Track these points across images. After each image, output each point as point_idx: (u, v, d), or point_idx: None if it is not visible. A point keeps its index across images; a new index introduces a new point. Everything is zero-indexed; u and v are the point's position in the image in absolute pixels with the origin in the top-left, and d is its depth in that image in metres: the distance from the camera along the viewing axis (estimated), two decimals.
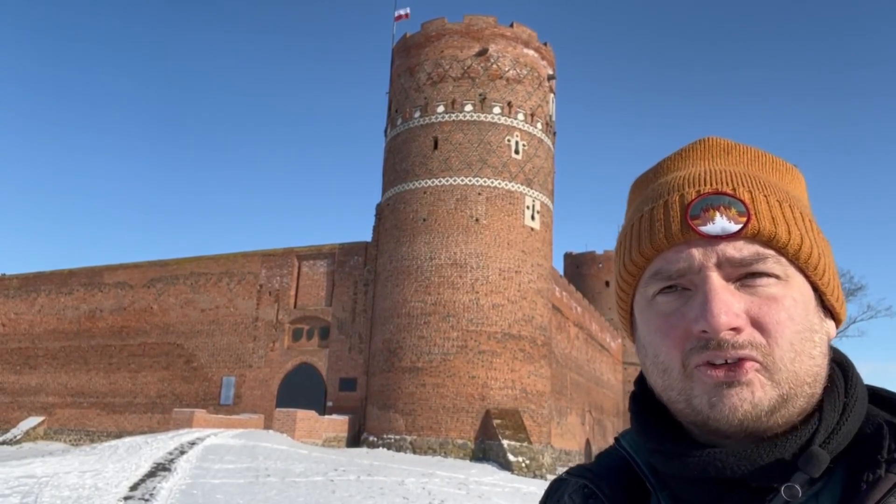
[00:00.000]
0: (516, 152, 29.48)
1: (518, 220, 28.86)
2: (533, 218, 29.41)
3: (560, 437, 34.46)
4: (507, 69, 29.92)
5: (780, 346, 0.68)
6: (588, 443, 41.12)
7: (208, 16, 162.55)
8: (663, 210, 0.73)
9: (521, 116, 29.88)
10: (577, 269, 63.10)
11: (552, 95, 32.04)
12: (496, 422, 25.91)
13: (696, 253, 0.70)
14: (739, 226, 0.69)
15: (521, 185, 29.29)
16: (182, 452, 18.44)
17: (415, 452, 25.92)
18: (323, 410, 29.15)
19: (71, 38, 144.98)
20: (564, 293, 38.84)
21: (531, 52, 30.83)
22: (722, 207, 0.70)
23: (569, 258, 66.02)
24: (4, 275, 40.90)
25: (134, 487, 13.57)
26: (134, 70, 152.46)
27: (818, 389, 0.71)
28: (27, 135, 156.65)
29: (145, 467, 15.99)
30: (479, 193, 28.55)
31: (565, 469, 0.90)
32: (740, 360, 0.67)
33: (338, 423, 27.98)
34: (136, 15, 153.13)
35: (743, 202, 0.70)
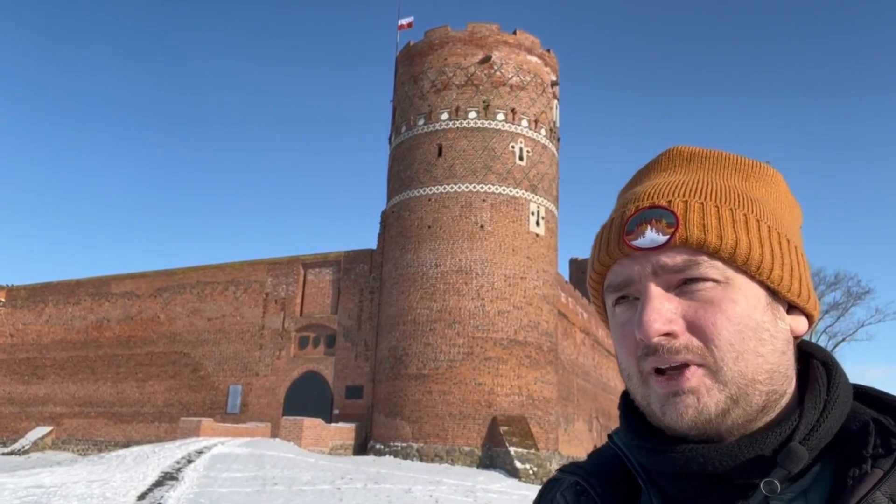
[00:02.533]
0: (520, 159, 29.53)
1: (523, 226, 28.87)
2: (538, 224, 29.42)
3: (567, 444, 34.31)
4: (510, 76, 30.01)
5: (719, 347, 0.70)
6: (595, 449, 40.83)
7: (212, 26, 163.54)
8: (609, 227, 0.78)
9: (524, 123, 29.95)
10: (583, 274, 62.96)
11: (556, 102, 32.11)
12: (503, 429, 25.84)
13: (634, 265, 0.74)
14: (667, 236, 0.72)
15: (526, 191, 29.32)
16: (189, 461, 18.47)
17: (421, 460, 25.86)
18: (329, 418, 29.14)
19: (75, 41, 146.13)
20: (570, 299, 38.78)
21: (534, 59, 30.92)
22: (654, 220, 0.73)
23: (574, 264, 65.92)
24: (12, 285, 41.13)
25: (142, 497, 13.60)
26: (139, 77, 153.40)
27: (778, 386, 0.73)
28: (33, 145, 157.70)
29: (153, 476, 16.02)
30: (484, 200, 28.60)
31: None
32: (682, 368, 0.70)
33: (344, 431, 27.96)
34: (147, 24, 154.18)
35: (673, 212, 0.73)
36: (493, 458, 25.64)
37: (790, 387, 0.74)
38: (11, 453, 33.82)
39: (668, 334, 0.70)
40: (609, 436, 0.87)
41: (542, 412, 27.94)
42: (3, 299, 40.42)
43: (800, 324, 0.77)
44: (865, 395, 0.78)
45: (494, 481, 21.40)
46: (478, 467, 25.31)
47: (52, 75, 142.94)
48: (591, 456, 0.87)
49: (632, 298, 0.75)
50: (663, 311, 0.71)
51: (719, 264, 0.72)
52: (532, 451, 25.48)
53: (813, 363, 0.78)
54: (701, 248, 0.72)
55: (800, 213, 0.84)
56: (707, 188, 0.76)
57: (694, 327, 0.71)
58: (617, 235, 0.76)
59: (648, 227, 0.73)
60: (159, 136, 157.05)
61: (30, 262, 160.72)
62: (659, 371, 0.72)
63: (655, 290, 0.72)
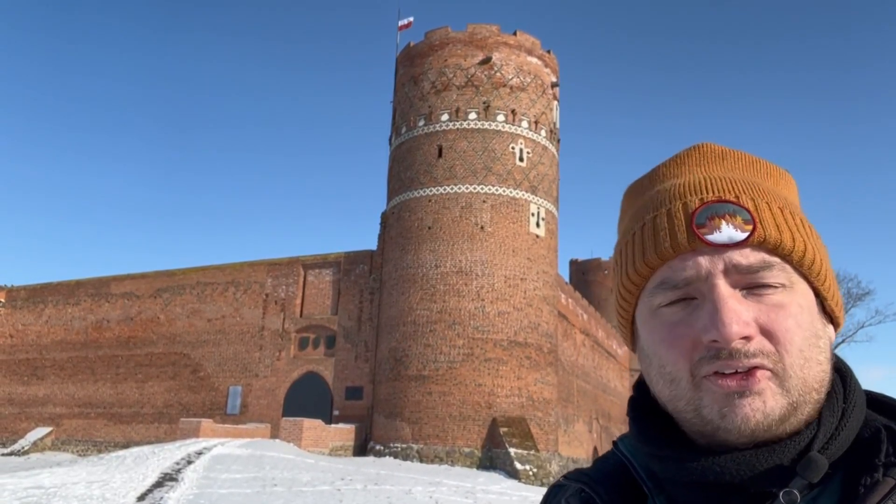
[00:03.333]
0: (520, 160, 29.53)
1: (523, 227, 28.86)
2: (538, 225, 29.41)
3: (567, 445, 34.29)
4: (510, 77, 30.01)
5: (790, 353, 0.68)
6: (595, 450, 40.90)
7: (212, 29, 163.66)
8: (667, 219, 0.72)
9: (525, 124, 29.95)
10: (583, 275, 63.02)
11: (556, 103, 32.11)
12: (503, 430, 25.82)
13: (703, 261, 0.69)
14: (746, 234, 0.68)
15: (526, 192, 29.31)
16: (189, 462, 18.45)
17: (421, 461, 25.84)
18: (329, 419, 29.12)
19: (78, 44, 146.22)
20: (570, 300, 38.76)
21: (534, 60, 30.93)
22: (727, 216, 0.69)
23: (574, 265, 65.95)
24: (12, 286, 41.12)
25: (141, 498, 13.58)
26: (139, 79, 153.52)
27: (823, 395, 0.72)
28: (34, 147, 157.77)
29: (152, 477, 16.00)
30: (484, 201, 28.59)
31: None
32: (751, 370, 0.67)
33: (344, 432, 27.94)
34: (150, 26, 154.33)
35: (748, 210, 0.70)
36: (493, 459, 25.62)
37: (824, 395, 0.72)
38: (11, 454, 33.79)
39: (745, 337, 0.67)
40: (614, 443, 0.85)
41: (542, 413, 27.92)
42: (2, 300, 40.41)
43: (832, 333, 0.76)
44: (876, 402, 0.76)
45: (494, 482, 21.38)
46: (478, 468, 25.29)
47: (54, 77, 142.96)
48: (595, 463, 0.86)
49: (686, 298, 0.71)
50: (740, 313, 0.67)
51: (788, 268, 0.70)
52: (532, 452, 25.47)
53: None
54: (775, 250, 0.69)
55: None
56: (761, 189, 0.74)
57: (766, 331, 0.68)
58: (685, 227, 0.70)
59: (724, 222, 0.69)
60: (159, 137, 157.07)
61: (30, 262, 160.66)
62: (721, 375, 0.68)
63: (728, 291, 0.68)
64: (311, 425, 26.25)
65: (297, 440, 25.37)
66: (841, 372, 0.76)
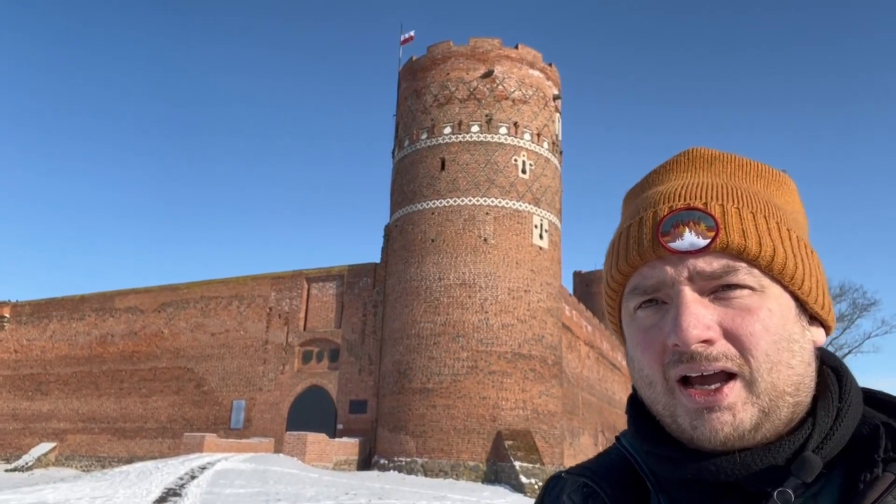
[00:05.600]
0: (523, 172, 29.60)
1: (526, 239, 28.87)
2: (541, 237, 29.42)
3: (573, 458, 34.06)
4: (512, 90, 30.16)
5: (756, 357, 0.68)
6: None
7: (218, 42, 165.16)
8: (638, 227, 0.75)
9: (527, 136, 30.05)
10: (587, 287, 62.88)
11: (558, 115, 32.23)
12: (508, 443, 25.67)
13: (669, 268, 0.72)
14: (707, 240, 0.70)
15: (529, 204, 29.35)
16: (193, 477, 18.37)
17: (426, 475, 25.68)
18: (333, 433, 28.99)
19: (88, 58, 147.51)
20: (574, 312, 38.66)
21: (536, 73, 31.09)
22: (691, 223, 0.71)
23: (578, 277, 65.85)
24: (17, 301, 41.23)
25: None
26: (145, 92, 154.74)
27: (802, 398, 0.72)
28: (38, 161, 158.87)
29: (156, 493, 15.93)
30: (487, 213, 28.63)
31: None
32: (718, 382, 0.68)
33: (348, 446, 27.81)
34: (158, 40, 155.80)
35: (712, 216, 0.71)
36: (497, 472, 25.45)
37: (810, 397, 0.73)
38: (15, 469, 33.69)
39: (706, 341, 0.68)
40: (617, 438, 0.85)
41: (547, 426, 27.76)
42: (7, 315, 40.50)
43: (819, 335, 0.76)
44: (875, 399, 0.77)
45: (499, 496, 21.22)
46: (483, 482, 25.11)
47: (58, 89, 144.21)
48: (598, 457, 0.86)
49: (659, 303, 0.73)
50: (701, 317, 0.68)
51: (756, 272, 0.70)
52: (537, 465, 25.29)
53: (824, 370, 0.77)
54: (740, 255, 0.70)
55: (807, 222, 0.83)
56: (737, 193, 0.74)
57: (731, 335, 0.69)
58: (651, 236, 0.72)
59: (687, 230, 0.71)
60: (163, 151, 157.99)
61: (34, 277, 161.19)
62: (685, 381, 0.69)
63: (692, 295, 0.70)
64: (315, 439, 26.14)
65: (301, 454, 25.26)
66: (837, 372, 0.76)
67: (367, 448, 28.39)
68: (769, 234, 0.71)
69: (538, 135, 30.42)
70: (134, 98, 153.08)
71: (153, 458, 29.31)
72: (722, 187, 0.75)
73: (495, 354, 27.09)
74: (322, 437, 26.71)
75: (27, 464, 34.20)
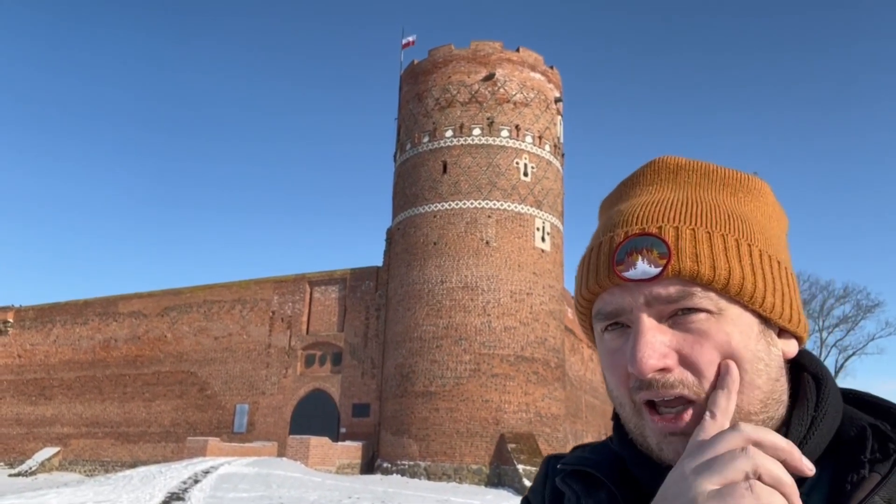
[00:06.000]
0: (525, 175, 29.61)
1: (528, 242, 28.86)
2: (543, 240, 29.41)
3: None
4: (514, 93, 30.20)
5: (712, 383, 0.69)
6: None
7: (218, 44, 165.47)
8: (597, 254, 0.76)
9: (529, 139, 30.07)
10: None
11: (559, 118, 32.25)
12: (511, 446, 25.63)
13: (626, 295, 0.72)
14: (659, 268, 0.70)
15: (531, 207, 29.36)
16: (196, 481, 18.38)
17: (429, 478, 25.65)
18: (336, 437, 28.98)
19: (94, 63, 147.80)
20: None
21: (538, 76, 31.12)
22: (644, 250, 0.71)
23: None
24: (20, 306, 41.31)
25: None
26: (145, 95, 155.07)
27: (772, 412, 0.72)
28: (40, 165, 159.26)
29: (159, 497, 15.94)
30: (489, 216, 28.64)
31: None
32: (678, 406, 0.69)
33: (351, 450, 27.79)
34: (162, 46, 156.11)
35: (665, 242, 0.71)
36: (501, 476, 25.41)
37: (783, 409, 0.73)
38: (19, 474, 33.73)
39: (662, 369, 0.69)
40: (608, 439, 0.86)
41: (551, 429, 27.71)
42: (11, 320, 40.58)
43: (790, 346, 0.76)
44: (862, 401, 0.78)
45: (503, 500, 21.19)
46: (486, 485, 25.08)
47: (58, 90, 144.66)
48: (589, 450, 0.86)
49: (623, 325, 0.74)
50: (656, 346, 0.69)
51: (713, 295, 0.70)
52: None
53: (804, 377, 0.77)
54: (693, 280, 0.70)
55: (786, 222, 0.82)
56: (697, 210, 0.74)
57: (687, 361, 0.69)
58: (606, 265, 0.73)
59: (640, 258, 0.71)
60: (166, 155, 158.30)
61: (38, 282, 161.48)
62: (651, 404, 0.70)
63: (648, 323, 0.70)
64: (318, 443, 26.13)
65: (304, 458, 25.25)
66: (817, 378, 0.77)
67: (370, 451, 28.37)
68: (725, 255, 0.71)
69: (540, 137, 30.44)
70: (135, 101, 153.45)
71: (157, 462, 29.32)
72: (681, 205, 0.75)
73: (498, 357, 27.07)
74: (325, 440, 26.70)
75: (31, 468, 34.23)
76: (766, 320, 0.73)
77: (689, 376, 0.69)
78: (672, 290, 0.70)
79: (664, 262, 0.70)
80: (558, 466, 0.87)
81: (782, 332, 0.76)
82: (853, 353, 49.96)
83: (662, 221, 0.73)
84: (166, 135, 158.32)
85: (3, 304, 41.45)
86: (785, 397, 0.74)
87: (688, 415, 0.69)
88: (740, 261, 0.71)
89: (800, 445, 0.70)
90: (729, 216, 0.74)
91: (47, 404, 37.64)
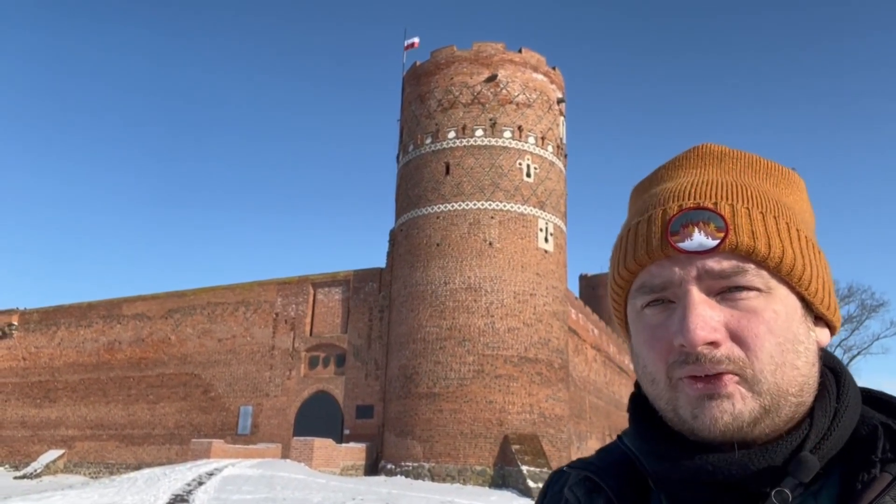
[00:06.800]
0: (528, 175, 29.59)
1: (531, 242, 28.84)
2: (546, 240, 29.39)
3: None
4: (516, 94, 30.19)
5: (760, 358, 0.69)
6: None
7: (217, 48, 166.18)
8: (647, 225, 0.75)
9: (531, 140, 30.06)
10: (593, 290, 62.70)
11: (562, 118, 32.23)
12: (515, 447, 25.59)
13: (677, 268, 0.72)
14: (717, 241, 0.70)
15: (534, 207, 29.34)
16: (200, 483, 18.40)
17: (433, 480, 25.63)
18: (340, 438, 28.98)
19: (100, 69, 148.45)
20: (580, 315, 38.56)
21: (540, 77, 31.11)
22: (701, 223, 0.71)
23: (584, 280, 65.69)
24: (25, 309, 41.43)
25: None
26: (149, 97, 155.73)
27: (806, 398, 0.72)
28: (45, 168, 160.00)
29: (164, 499, 15.95)
30: (492, 217, 28.62)
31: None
32: (719, 374, 0.69)
33: (355, 452, 27.79)
34: (163, 46, 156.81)
35: (722, 216, 0.71)
36: (505, 477, 25.37)
37: (811, 398, 0.73)
38: (24, 477, 33.80)
39: (711, 343, 0.69)
40: (619, 436, 0.86)
41: (555, 430, 27.67)
42: (15, 323, 40.71)
43: (824, 336, 0.76)
44: (874, 399, 0.77)
45: (507, 501, 21.16)
46: (490, 487, 25.04)
47: (59, 91, 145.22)
48: (599, 453, 0.86)
49: (666, 301, 0.73)
50: (708, 319, 0.69)
51: (765, 273, 0.71)
52: (544, 469, 25.20)
53: (822, 370, 0.76)
54: (749, 256, 0.70)
55: (815, 222, 0.83)
56: (747, 193, 0.74)
57: (736, 337, 0.69)
58: (660, 234, 0.73)
59: (696, 230, 0.71)
60: (169, 157, 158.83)
61: (42, 285, 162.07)
62: (694, 377, 0.70)
63: (699, 296, 0.70)
64: (322, 445, 26.13)
65: (308, 460, 25.25)
66: (836, 372, 0.76)
67: (373, 453, 28.36)
68: (778, 236, 0.71)
69: (542, 138, 30.42)
70: (137, 103, 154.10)
71: (161, 464, 29.36)
72: (732, 186, 0.75)
73: (501, 358, 27.04)
74: (329, 442, 26.70)
75: (36, 471, 34.30)
76: (806, 305, 0.74)
77: (736, 351, 0.69)
78: (726, 264, 0.70)
79: (721, 235, 0.70)
80: (564, 469, 0.87)
81: (817, 321, 0.76)
82: (858, 353, 49.84)
83: (717, 198, 0.73)
84: (170, 137, 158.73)
85: (8, 306, 41.60)
86: (816, 385, 0.74)
87: (730, 379, 0.69)
88: (791, 243, 0.72)
89: (823, 438, 0.70)
90: (776, 202, 0.75)
91: (52, 407, 37.73)
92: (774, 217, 0.73)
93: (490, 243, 28.29)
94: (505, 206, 28.84)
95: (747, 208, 0.72)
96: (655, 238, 0.73)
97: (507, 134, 29.67)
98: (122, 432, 35.20)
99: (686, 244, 0.71)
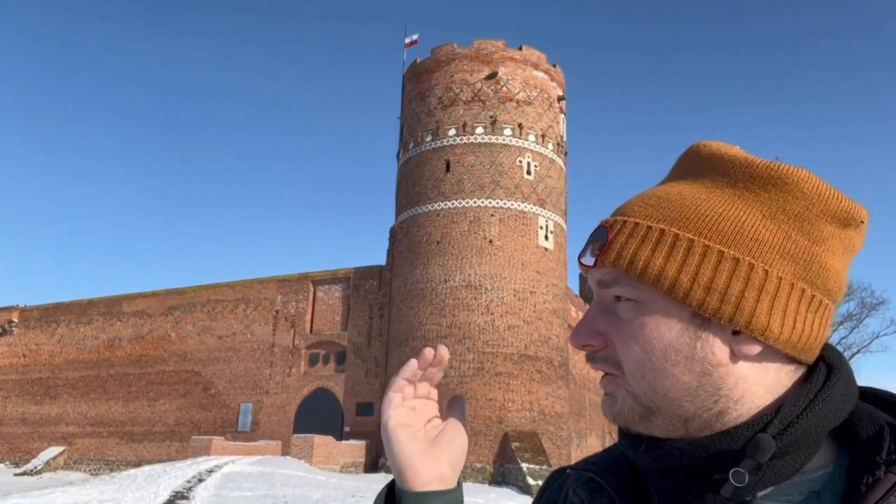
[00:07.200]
0: (528, 173, 29.59)
1: (532, 240, 28.85)
2: (546, 238, 29.39)
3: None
4: (517, 91, 30.17)
5: (626, 363, 0.74)
6: None
7: (216, 45, 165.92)
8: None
9: (532, 138, 30.05)
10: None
11: (562, 116, 32.22)
12: (514, 445, 25.64)
13: (590, 277, 0.80)
14: (594, 258, 0.77)
15: (534, 205, 29.34)
16: (200, 480, 18.44)
17: None
18: (340, 436, 29.02)
19: (100, 66, 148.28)
20: (581, 313, 38.60)
21: (540, 75, 31.09)
22: (594, 241, 0.78)
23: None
24: (25, 306, 41.47)
25: None
26: (150, 94, 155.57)
27: (714, 403, 0.71)
28: (44, 166, 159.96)
29: (164, 496, 15.99)
30: (492, 215, 28.63)
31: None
32: (605, 374, 0.77)
33: (355, 449, 27.83)
34: (166, 53, 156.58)
35: (607, 234, 0.77)
36: (504, 474, 25.42)
37: (732, 403, 0.71)
38: (24, 473, 33.87)
39: (589, 345, 0.77)
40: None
41: (554, 428, 27.71)
42: (15, 320, 40.75)
43: (748, 348, 0.71)
44: (879, 399, 0.77)
45: (507, 498, 21.19)
46: (490, 484, 25.09)
47: (59, 89, 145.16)
48: (603, 453, 0.87)
49: None
50: (590, 324, 0.77)
51: (637, 283, 0.73)
52: (544, 467, 25.24)
53: (818, 366, 0.76)
54: (615, 269, 0.75)
55: (832, 223, 0.72)
56: (668, 205, 0.75)
57: (611, 343, 0.76)
58: (582, 249, 0.82)
59: (589, 248, 0.79)
60: (169, 155, 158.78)
61: (42, 282, 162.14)
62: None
63: (594, 303, 0.78)
64: (322, 442, 26.17)
65: (308, 457, 25.29)
66: (831, 367, 0.75)
67: (374, 450, 28.40)
68: (653, 248, 0.72)
69: (543, 136, 30.41)
70: (138, 101, 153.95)
71: (161, 461, 29.41)
72: (657, 199, 0.77)
73: (501, 356, 27.07)
74: (329, 439, 26.74)
75: (36, 468, 34.37)
76: (701, 316, 0.72)
77: (611, 356, 0.76)
78: (608, 276, 0.76)
79: (598, 253, 0.77)
80: (567, 471, 0.88)
81: (740, 334, 0.71)
82: (858, 351, 49.89)
83: (623, 214, 0.78)
84: (170, 135, 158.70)
85: (8, 303, 41.66)
86: (738, 391, 0.72)
87: (611, 379, 0.76)
88: (671, 255, 0.71)
89: (789, 425, 0.69)
90: (698, 214, 0.73)
91: (52, 404, 37.78)
92: (674, 231, 0.72)
93: (490, 241, 28.30)
94: (505, 203, 28.84)
95: (636, 222, 0.75)
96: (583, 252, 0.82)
97: (508, 131, 29.66)
98: (123, 429, 35.25)
99: (583, 259, 0.79)
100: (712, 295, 0.70)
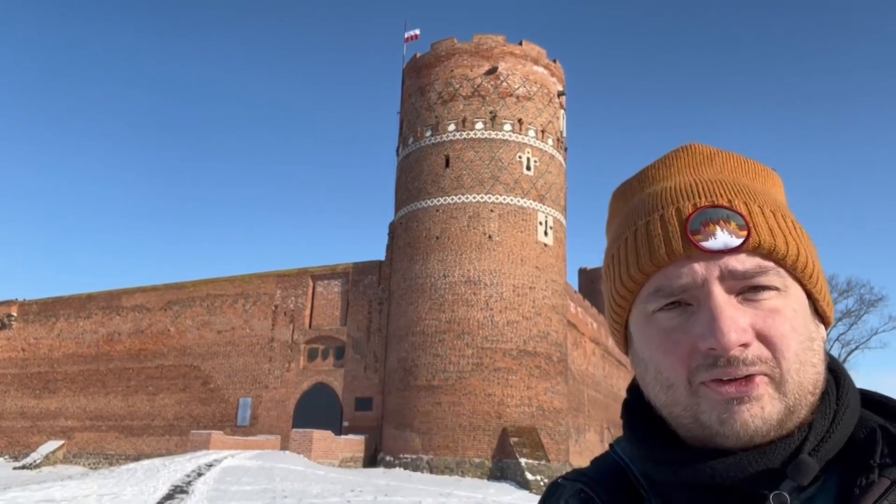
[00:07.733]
0: (528, 169, 29.56)
1: (531, 236, 28.84)
2: (546, 234, 29.38)
3: (578, 455, 34.06)
4: (516, 87, 30.11)
5: (787, 358, 0.68)
6: None
7: (222, 38, 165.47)
8: (660, 224, 0.72)
9: (531, 133, 30.00)
10: (592, 284, 62.74)
11: (562, 112, 32.17)
12: (513, 440, 25.69)
13: (699, 268, 0.69)
14: (741, 240, 0.68)
15: (534, 201, 29.32)
16: (199, 474, 18.47)
17: (432, 472, 25.73)
18: (339, 431, 29.07)
19: (98, 61, 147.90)
20: (580, 309, 38.62)
21: (541, 70, 31.03)
22: (721, 221, 0.69)
23: (583, 274, 65.71)
24: (24, 300, 41.46)
25: None
26: (149, 89, 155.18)
27: (818, 397, 0.71)
28: (43, 160, 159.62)
29: (163, 490, 16.02)
30: (492, 210, 28.61)
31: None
32: (750, 376, 0.67)
33: (354, 444, 27.88)
34: (165, 45, 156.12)
35: (741, 215, 0.69)
36: (503, 469, 25.48)
37: (819, 397, 0.72)
38: (23, 467, 33.90)
39: (743, 344, 0.67)
40: (611, 445, 0.85)
41: (553, 423, 27.76)
42: (15, 314, 40.74)
43: (824, 332, 0.75)
44: (871, 401, 0.76)
45: (505, 493, 21.25)
46: (488, 479, 25.15)
47: (59, 85, 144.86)
48: (593, 463, 0.85)
49: (682, 304, 0.70)
50: (737, 320, 0.67)
51: (782, 272, 0.70)
52: (543, 462, 25.30)
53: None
54: (770, 255, 0.69)
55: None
56: (751, 191, 0.73)
57: (763, 337, 0.68)
58: (679, 234, 0.69)
59: (718, 228, 0.68)
60: (168, 150, 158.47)
61: (41, 276, 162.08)
62: (720, 381, 0.68)
63: (724, 297, 0.68)
64: (321, 437, 26.22)
65: (307, 452, 25.34)
66: (834, 373, 0.75)
67: (372, 445, 28.46)
68: (790, 233, 0.70)
69: (543, 131, 30.37)
70: (137, 96, 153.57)
71: (160, 455, 29.46)
72: (736, 185, 0.73)
73: (500, 351, 27.09)
74: (328, 434, 26.78)
75: (35, 461, 34.40)
76: (812, 303, 0.73)
77: (765, 352, 0.68)
78: (749, 264, 0.68)
79: (744, 234, 0.68)
80: (559, 482, 0.86)
81: (816, 317, 0.75)
82: (856, 348, 49.98)
83: (730, 196, 0.71)
84: (169, 131, 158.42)
85: (7, 297, 41.65)
86: (823, 384, 0.72)
87: (761, 381, 0.67)
88: (799, 241, 0.71)
89: (822, 440, 0.68)
90: (775, 200, 0.74)
91: (51, 398, 37.81)
92: (782, 215, 0.72)
93: (489, 236, 28.29)
94: (505, 199, 28.83)
95: (759, 206, 0.71)
96: (675, 237, 0.70)
97: (508, 127, 29.61)
98: (122, 423, 35.30)
99: (710, 243, 0.68)
100: (822, 281, 0.73)
